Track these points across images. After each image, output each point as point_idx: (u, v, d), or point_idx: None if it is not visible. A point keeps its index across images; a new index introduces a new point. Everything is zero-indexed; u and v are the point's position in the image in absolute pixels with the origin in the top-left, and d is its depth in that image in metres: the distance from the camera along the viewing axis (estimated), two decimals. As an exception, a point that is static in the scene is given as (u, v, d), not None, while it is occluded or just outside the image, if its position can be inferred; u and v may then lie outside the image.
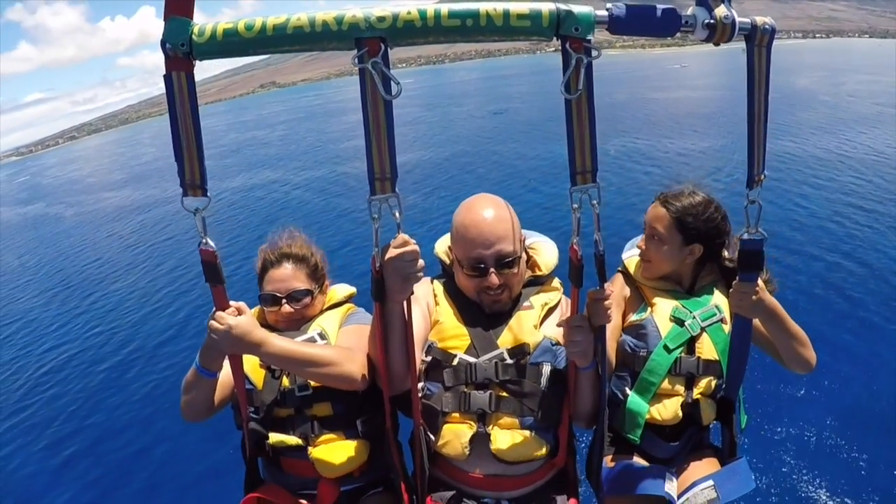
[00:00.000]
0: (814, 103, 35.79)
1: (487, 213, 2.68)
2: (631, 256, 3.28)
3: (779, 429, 7.55)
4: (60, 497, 8.62)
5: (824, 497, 6.58)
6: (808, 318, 9.68)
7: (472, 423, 2.64)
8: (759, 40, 2.14)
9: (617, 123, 33.26)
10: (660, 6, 2.02)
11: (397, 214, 2.12)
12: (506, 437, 2.62)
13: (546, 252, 3.05)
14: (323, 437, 2.75)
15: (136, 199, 34.90)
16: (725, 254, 3.05)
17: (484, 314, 2.81)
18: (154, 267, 19.13)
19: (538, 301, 2.87)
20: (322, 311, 3.09)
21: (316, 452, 2.72)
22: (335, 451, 2.75)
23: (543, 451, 2.67)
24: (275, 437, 2.71)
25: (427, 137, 38.48)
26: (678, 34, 2.10)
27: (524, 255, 2.89)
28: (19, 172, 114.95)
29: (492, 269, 2.68)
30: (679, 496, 2.89)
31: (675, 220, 2.98)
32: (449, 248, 3.01)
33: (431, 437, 2.69)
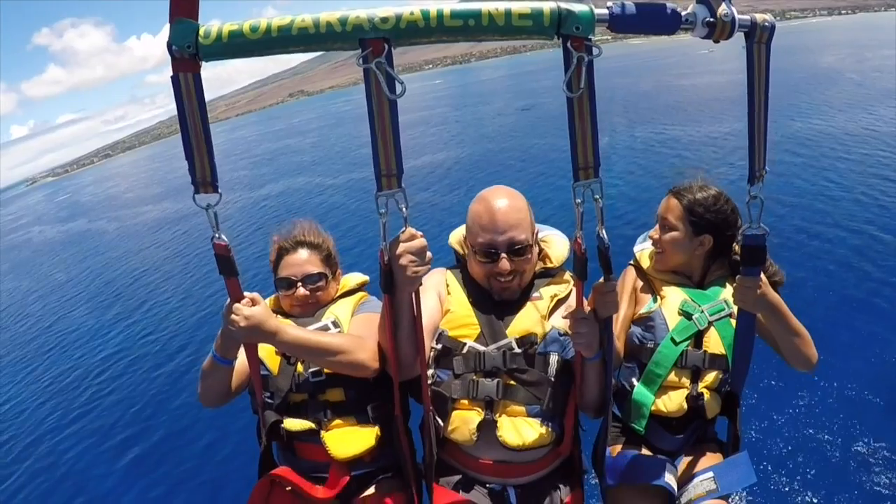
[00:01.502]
0: (840, 81, 35.17)
1: (501, 201, 2.76)
2: (643, 249, 3.35)
3: (786, 417, 7.54)
4: (128, 493, 8.99)
5: (835, 486, 6.52)
6: (843, 289, 10.04)
7: (479, 409, 2.72)
8: (758, 37, 2.18)
9: (643, 112, 33.27)
10: (660, 3, 2.05)
11: (404, 209, 2.15)
12: (512, 424, 2.69)
13: (557, 245, 3.11)
14: (335, 422, 2.84)
15: (178, 210, 35.42)
16: (736, 247, 3.10)
17: (495, 304, 2.87)
18: (204, 274, 19.46)
19: (548, 292, 2.92)
20: (335, 299, 3.18)
21: (328, 436, 2.81)
22: (347, 435, 2.83)
23: (549, 439, 2.74)
24: (289, 422, 2.81)
25: (461, 136, 38.78)
26: (678, 32, 2.13)
27: (536, 247, 2.95)
28: (57, 192, 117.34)
29: (503, 255, 2.74)
30: (679, 487, 2.94)
31: (685, 211, 3.05)
32: (463, 238, 3.07)
33: (440, 422, 2.76)
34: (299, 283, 3.04)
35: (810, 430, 7.27)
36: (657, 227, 3.19)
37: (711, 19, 2.05)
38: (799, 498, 6.41)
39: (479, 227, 2.76)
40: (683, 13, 2.06)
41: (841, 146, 19.02)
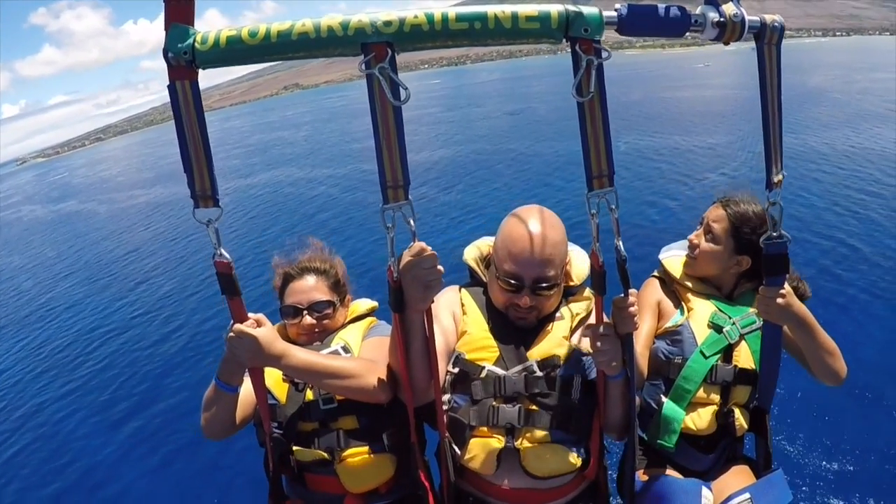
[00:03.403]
0: (824, 101, 35.99)
1: (538, 231, 2.56)
2: (670, 257, 3.22)
3: (811, 434, 7.45)
4: (114, 454, 9.40)
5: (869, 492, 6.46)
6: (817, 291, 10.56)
7: (500, 437, 2.56)
8: (768, 38, 2.11)
9: (633, 120, 33.84)
10: (669, 6, 1.99)
11: (412, 222, 2.04)
12: (536, 451, 2.55)
13: (578, 262, 2.92)
14: (349, 451, 2.69)
15: (169, 195, 35.48)
16: None
17: (513, 325, 2.72)
18: (199, 259, 19.53)
19: (569, 312, 2.79)
20: (344, 325, 3.04)
21: (342, 467, 2.67)
22: (361, 465, 2.69)
23: (575, 464, 2.59)
24: (300, 452, 2.68)
25: (449, 136, 39.13)
26: (687, 34, 2.05)
27: (562, 282, 2.79)
28: (48, 173, 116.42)
29: (526, 289, 2.59)
30: None
31: (731, 226, 2.94)
32: (480, 256, 2.98)
33: (457, 450, 2.61)
34: (305, 312, 2.91)
35: (837, 442, 7.27)
36: (700, 230, 3.09)
37: (721, 20, 1.99)
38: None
39: (509, 253, 2.58)
40: (693, 14, 2.01)
41: (823, 161, 19.91)
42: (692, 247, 3.07)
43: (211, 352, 11.92)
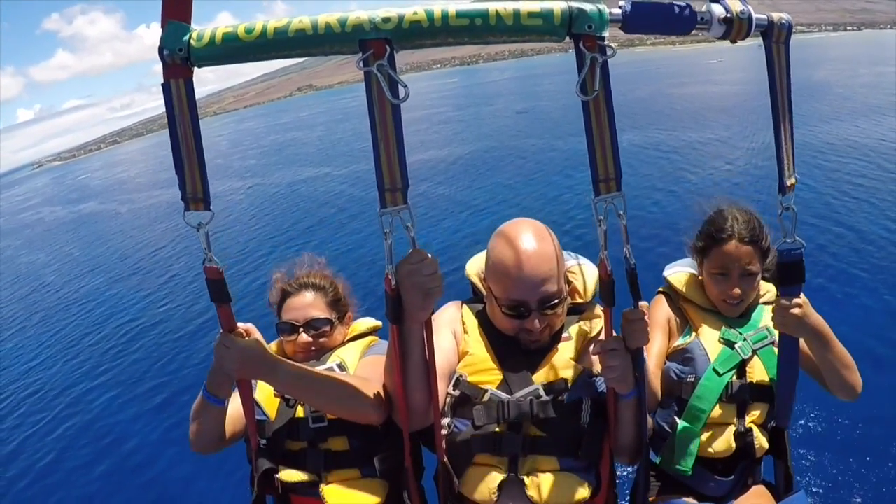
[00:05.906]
0: (828, 94, 36.03)
1: (531, 248, 2.37)
2: (676, 273, 3.07)
3: (834, 455, 7.10)
4: (152, 434, 10.05)
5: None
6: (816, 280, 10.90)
7: (502, 467, 2.39)
8: (776, 36, 2.05)
9: (638, 117, 34.14)
10: (675, 3, 1.94)
11: (411, 228, 1.95)
12: (542, 481, 2.36)
13: (586, 277, 2.76)
14: (337, 474, 2.57)
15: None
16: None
17: (519, 347, 2.54)
18: (225, 252, 19.42)
19: (577, 331, 2.62)
20: (343, 343, 2.95)
21: (328, 490, 2.54)
22: (349, 489, 2.56)
23: (586, 492, 2.40)
24: (285, 473, 2.56)
25: (462, 134, 39.68)
26: (693, 32, 2.01)
27: (567, 290, 2.59)
28: (65, 175, 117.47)
29: (535, 312, 2.41)
30: None
31: (758, 252, 2.79)
32: (481, 271, 2.70)
33: (456, 479, 2.44)
34: (301, 329, 2.83)
35: (856, 459, 6.97)
36: (733, 277, 2.81)
37: (728, 15, 1.94)
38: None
39: (506, 278, 2.40)
40: (699, 12, 1.96)
41: (819, 154, 20.21)
42: (734, 297, 2.83)
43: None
